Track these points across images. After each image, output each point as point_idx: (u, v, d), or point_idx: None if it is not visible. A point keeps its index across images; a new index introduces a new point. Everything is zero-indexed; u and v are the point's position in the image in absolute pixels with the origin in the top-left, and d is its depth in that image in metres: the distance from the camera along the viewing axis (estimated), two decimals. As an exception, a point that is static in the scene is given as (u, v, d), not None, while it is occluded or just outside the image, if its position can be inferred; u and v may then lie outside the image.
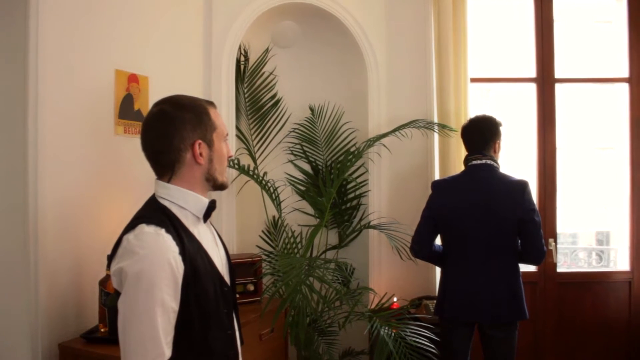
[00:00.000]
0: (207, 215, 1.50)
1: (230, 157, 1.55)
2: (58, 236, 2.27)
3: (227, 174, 1.58)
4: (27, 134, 2.16)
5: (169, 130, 1.40)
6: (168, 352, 1.30)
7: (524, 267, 4.16)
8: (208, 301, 1.42)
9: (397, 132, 3.13)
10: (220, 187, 1.52)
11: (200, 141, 1.43)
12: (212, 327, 1.43)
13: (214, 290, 1.44)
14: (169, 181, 1.44)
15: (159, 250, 1.30)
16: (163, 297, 1.28)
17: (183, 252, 1.35)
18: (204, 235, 1.50)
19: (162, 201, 1.42)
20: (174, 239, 1.34)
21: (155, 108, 1.45)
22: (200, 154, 1.43)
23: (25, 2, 2.16)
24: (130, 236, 1.31)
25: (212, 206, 1.50)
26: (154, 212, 1.39)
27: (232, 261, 1.65)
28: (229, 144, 1.56)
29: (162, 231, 1.32)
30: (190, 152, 1.42)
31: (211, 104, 1.51)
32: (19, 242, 2.16)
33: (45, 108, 2.21)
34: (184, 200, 1.43)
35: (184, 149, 1.42)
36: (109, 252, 2.25)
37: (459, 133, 3.35)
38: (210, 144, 1.45)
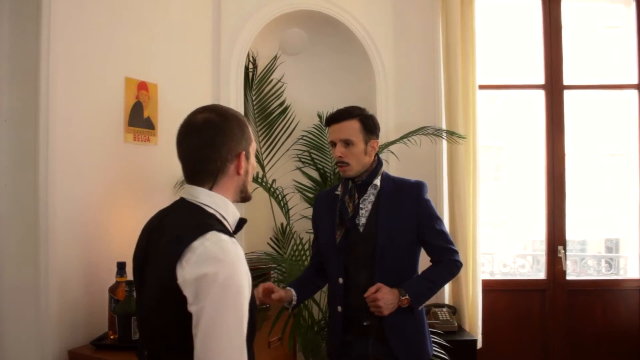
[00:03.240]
0: (238, 229, 1.48)
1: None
2: (68, 243, 2.28)
3: None
4: (37, 142, 2.18)
5: (218, 140, 1.39)
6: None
7: (532, 274, 4.15)
8: (253, 312, 1.38)
9: (405, 139, 3.13)
10: (248, 199, 1.52)
11: (244, 153, 1.43)
12: (251, 338, 1.39)
13: (253, 301, 1.41)
14: (210, 190, 1.41)
15: (239, 259, 1.28)
16: (246, 305, 1.27)
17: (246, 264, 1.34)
18: None
19: (208, 209, 1.38)
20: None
21: (199, 116, 1.42)
22: (242, 166, 1.43)
23: (37, 11, 2.18)
24: (206, 242, 1.25)
25: (243, 221, 1.49)
26: (212, 220, 1.35)
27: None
28: None
29: (235, 241, 1.31)
30: (235, 163, 1.42)
31: (245, 117, 1.52)
32: (29, 249, 2.18)
33: (56, 116, 2.23)
34: (226, 210, 1.42)
35: (230, 160, 1.40)
36: (118, 259, 2.29)
37: (467, 140, 3.35)
38: (248, 157, 1.46)
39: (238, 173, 1.43)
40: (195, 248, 1.24)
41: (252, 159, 1.49)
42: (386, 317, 2.01)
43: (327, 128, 2.15)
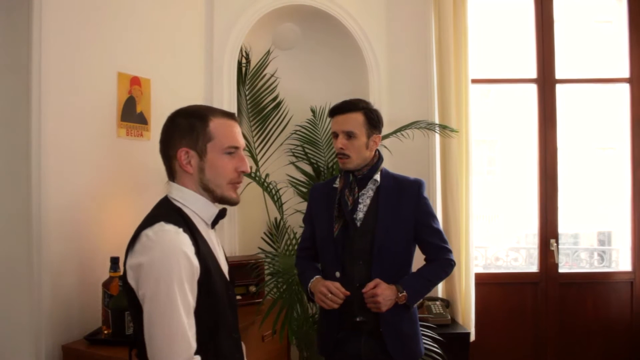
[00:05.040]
0: (215, 222, 1.53)
1: (242, 171, 1.51)
2: (61, 238, 2.28)
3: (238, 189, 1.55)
4: (30, 137, 2.17)
5: (165, 138, 1.47)
6: (194, 344, 1.32)
7: (524, 267, 4.18)
8: (217, 302, 1.43)
9: (398, 133, 3.14)
10: (220, 200, 1.50)
11: (186, 149, 1.43)
12: (220, 329, 1.45)
13: (221, 293, 1.46)
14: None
15: (179, 247, 1.32)
16: (185, 292, 1.31)
17: (198, 252, 1.37)
18: (212, 238, 1.53)
19: (176, 203, 1.45)
20: (190, 239, 1.37)
21: (170, 115, 1.51)
22: (189, 163, 1.44)
23: (28, 6, 2.17)
24: (149, 232, 1.32)
25: (221, 214, 1.52)
26: (171, 212, 1.41)
27: (235, 262, 1.66)
28: (243, 157, 1.51)
29: (181, 230, 1.35)
30: (176, 159, 1.45)
31: (226, 114, 1.49)
32: (22, 244, 2.17)
33: (48, 111, 2.22)
34: (195, 204, 1.46)
35: (173, 157, 1.45)
36: (112, 254, 2.29)
37: (460, 134, 3.37)
38: (201, 154, 1.44)
39: (185, 170, 1.45)
40: (140, 238, 1.33)
41: (214, 156, 1.45)
42: (383, 313, 1.99)
43: (331, 119, 2.14)
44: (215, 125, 1.46)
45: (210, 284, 1.40)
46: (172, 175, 1.48)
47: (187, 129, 1.43)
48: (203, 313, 1.38)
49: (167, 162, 1.48)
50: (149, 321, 1.29)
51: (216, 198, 1.49)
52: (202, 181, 1.46)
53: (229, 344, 1.49)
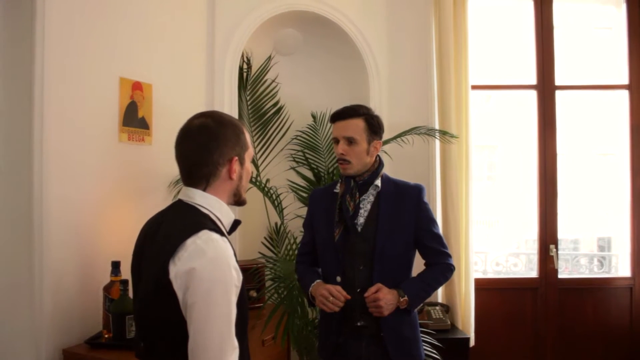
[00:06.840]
0: (232, 230, 1.54)
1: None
2: (62, 242, 2.29)
3: None
4: (32, 141, 2.18)
5: (211, 145, 1.44)
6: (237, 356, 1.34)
7: (524, 273, 4.18)
8: (246, 310, 1.45)
9: (398, 139, 3.15)
10: (241, 203, 1.57)
11: (236, 158, 1.48)
12: (245, 335, 1.46)
13: (247, 300, 1.48)
14: (203, 191, 1.46)
15: (228, 257, 1.33)
16: (234, 300, 1.33)
17: (236, 262, 1.39)
18: None
19: (202, 209, 1.44)
20: (232, 249, 1.39)
21: (197, 121, 1.48)
22: (235, 171, 1.48)
23: (31, 11, 2.19)
24: (197, 240, 1.31)
25: (237, 222, 1.55)
26: (205, 219, 1.41)
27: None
28: None
29: (226, 240, 1.38)
30: (227, 167, 1.47)
31: (243, 124, 1.56)
32: (24, 248, 2.19)
33: (50, 116, 2.24)
34: (220, 211, 1.47)
35: (222, 164, 1.46)
36: (113, 258, 2.31)
37: (460, 139, 3.38)
38: (242, 162, 1.51)
39: (231, 177, 1.48)
40: (188, 246, 1.31)
41: (248, 165, 1.54)
42: (384, 318, 2.00)
43: (332, 124, 2.15)
44: (246, 135, 1.53)
45: (243, 292, 1.42)
46: (205, 181, 1.46)
47: (236, 138, 1.48)
48: (238, 322, 1.38)
49: (206, 170, 1.44)
50: (201, 330, 1.28)
51: (239, 202, 1.55)
52: (237, 187, 1.51)
53: (247, 350, 1.51)
